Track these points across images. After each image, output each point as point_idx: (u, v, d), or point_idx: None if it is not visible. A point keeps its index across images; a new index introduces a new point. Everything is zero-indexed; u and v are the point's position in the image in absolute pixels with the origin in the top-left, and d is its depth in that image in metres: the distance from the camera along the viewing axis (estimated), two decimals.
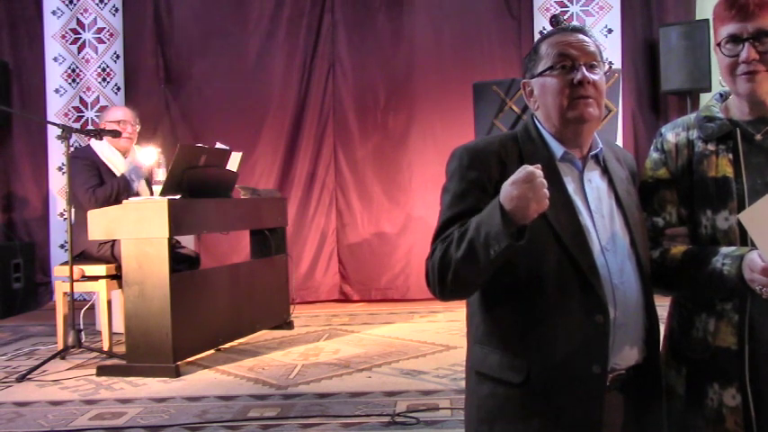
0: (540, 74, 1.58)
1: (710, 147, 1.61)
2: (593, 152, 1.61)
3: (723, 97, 1.68)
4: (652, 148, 1.72)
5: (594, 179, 1.60)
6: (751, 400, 1.53)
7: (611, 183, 1.61)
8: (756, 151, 1.57)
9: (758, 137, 1.57)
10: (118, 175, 4.52)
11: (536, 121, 1.64)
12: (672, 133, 1.69)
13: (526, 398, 1.51)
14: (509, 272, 1.49)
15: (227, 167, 4.61)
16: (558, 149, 1.59)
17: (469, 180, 1.56)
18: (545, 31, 5.79)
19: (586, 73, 1.54)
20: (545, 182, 1.40)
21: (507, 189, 1.40)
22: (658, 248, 1.63)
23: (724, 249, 1.52)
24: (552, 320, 1.50)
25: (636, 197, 1.65)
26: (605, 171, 1.62)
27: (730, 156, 1.58)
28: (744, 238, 1.52)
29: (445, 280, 1.50)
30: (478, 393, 1.59)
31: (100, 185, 4.40)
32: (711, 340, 1.57)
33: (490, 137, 1.70)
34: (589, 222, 1.54)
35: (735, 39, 1.54)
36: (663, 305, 1.65)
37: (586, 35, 1.60)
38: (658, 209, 1.66)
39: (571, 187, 1.57)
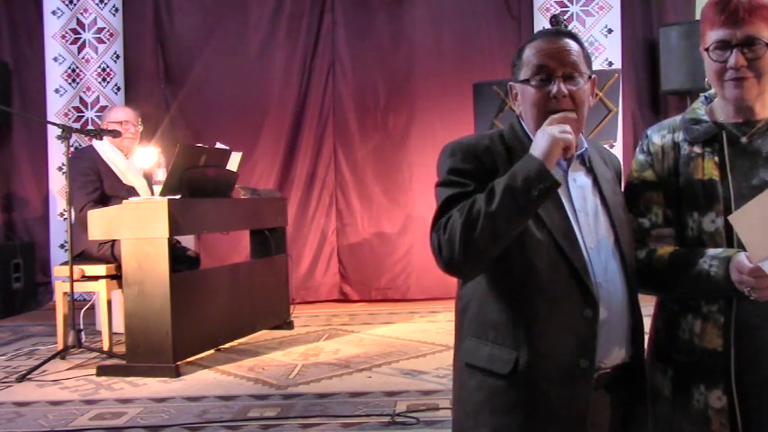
0: (521, 81, 1.60)
1: (696, 149, 1.61)
2: (578, 152, 1.61)
3: (708, 99, 1.69)
4: (638, 149, 1.73)
5: (579, 178, 1.61)
6: (737, 401, 1.53)
7: (595, 182, 1.62)
8: (742, 154, 1.57)
9: (744, 139, 1.58)
10: (119, 175, 4.52)
11: (521, 121, 1.65)
12: (658, 135, 1.69)
13: (512, 389, 1.52)
14: (503, 265, 1.51)
15: (227, 167, 4.61)
16: None
17: (465, 171, 1.56)
18: None
19: (562, 87, 1.54)
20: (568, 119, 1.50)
21: (537, 135, 1.49)
22: (645, 249, 1.63)
23: (711, 251, 1.53)
24: (542, 314, 1.51)
25: (621, 197, 1.66)
26: (590, 171, 1.63)
27: (716, 158, 1.59)
28: (730, 240, 1.53)
29: (470, 239, 1.44)
30: (467, 387, 1.60)
31: (94, 193, 4.39)
32: (697, 342, 1.58)
33: (478, 134, 1.71)
34: (573, 221, 1.55)
35: (723, 44, 1.54)
36: (647, 305, 1.65)
37: (572, 39, 1.59)
38: (644, 210, 1.66)
39: None
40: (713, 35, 1.55)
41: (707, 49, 1.57)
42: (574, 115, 1.52)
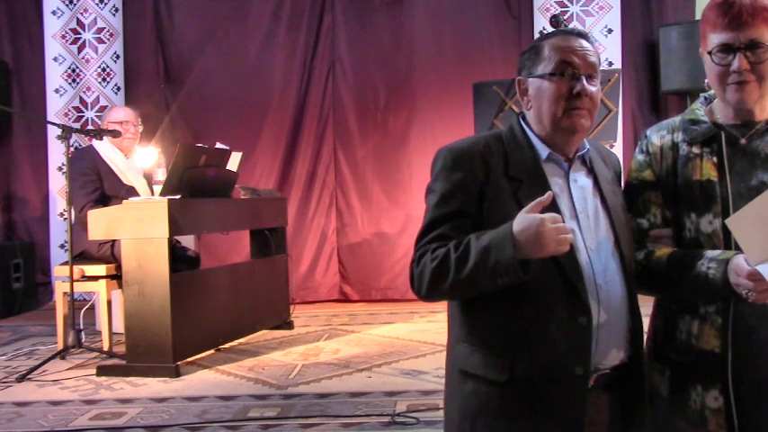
0: (540, 76, 1.58)
1: (695, 150, 1.62)
2: (580, 153, 1.61)
3: (708, 100, 1.69)
4: (637, 149, 1.73)
5: (580, 179, 1.61)
6: (733, 402, 1.54)
7: (596, 183, 1.62)
8: (740, 155, 1.58)
9: (743, 141, 1.58)
10: (119, 175, 4.52)
11: (522, 122, 1.64)
12: (657, 135, 1.69)
13: (509, 397, 1.52)
14: None
15: (227, 167, 4.61)
16: (543, 151, 1.59)
17: (454, 181, 1.55)
18: (545, 31, 5.80)
19: (586, 84, 1.54)
20: (569, 228, 1.42)
21: (527, 222, 1.39)
22: (643, 250, 1.63)
23: (709, 253, 1.53)
24: (536, 321, 1.50)
25: (621, 197, 1.66)
26: (591, 171, 1.63)
27: (714, 159, 1.59)
28: (728, 242, 1.54)
29: (439, 289, 1.51)
30: (461, 392, 1.59)
31: (94, 193, 4.39)
32: (695, 343, 1.59)
33: (475, 137, 1.69)
34: (574, 222, 1.55)
35: (726, 48, 1.53)
36: (646, 305, 1.66)
37: (589, 41, 1.60)
38: (643, 210, 1.67)
39: (557, 187, 1.57)
40: (716, 38, 1.55)
41: (709, 52, 1.57)
42: (570, 237, 1.42)
